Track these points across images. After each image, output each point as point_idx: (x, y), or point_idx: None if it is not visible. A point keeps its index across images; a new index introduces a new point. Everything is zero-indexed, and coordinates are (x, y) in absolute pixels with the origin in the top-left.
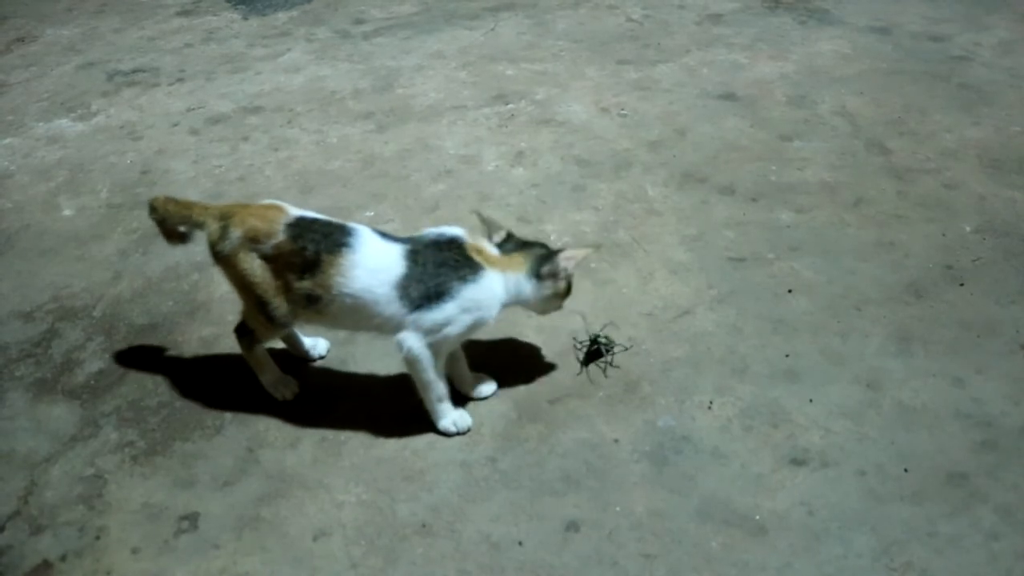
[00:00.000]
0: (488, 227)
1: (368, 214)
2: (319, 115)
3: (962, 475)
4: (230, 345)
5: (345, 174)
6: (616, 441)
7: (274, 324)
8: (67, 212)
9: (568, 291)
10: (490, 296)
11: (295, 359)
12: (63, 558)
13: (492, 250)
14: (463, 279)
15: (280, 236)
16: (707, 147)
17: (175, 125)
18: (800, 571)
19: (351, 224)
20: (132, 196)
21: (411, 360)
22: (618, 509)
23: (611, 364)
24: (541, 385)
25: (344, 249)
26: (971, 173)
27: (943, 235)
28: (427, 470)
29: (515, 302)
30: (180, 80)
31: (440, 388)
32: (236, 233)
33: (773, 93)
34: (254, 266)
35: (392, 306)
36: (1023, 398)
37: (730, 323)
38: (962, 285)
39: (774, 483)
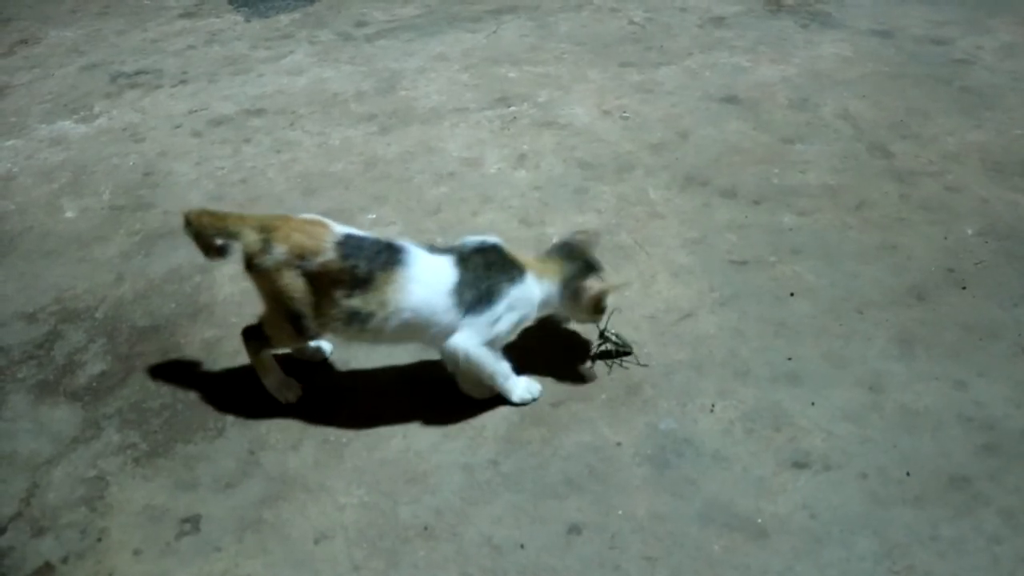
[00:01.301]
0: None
1: (370, 216)
2: (321, 117)
3: (964, 478)
4: (232, 347)
5: (347, 176)
6: (618, 444)
7: (302, 337)
8: (70, 214)
9: (599, 310)
10: (531, 296)
11: (297, 361)
12: (65, 560)
13: (529, 256)
14: (511, 280)
15: (329, 254)
16: (709, 150)
17: (177, 127)
18: (802, 574)
19: (399, 241)
20: (135, 198)
21: (470, 363)
22: (620, 512)
23: (621, 364)
24: (543, 387)
25: (398, 266)
26: (973, 176)
27: (945, 238)
28: (429, 472)
29: (547, 307)
30: (183, 82)
31: (504, 369)
32: (280, 249)
33: (775, 96)
34: (296, 282)
35: (449, 314)
36: None
37: (732, 326)
38: (964, 288)
39: (776, 486)
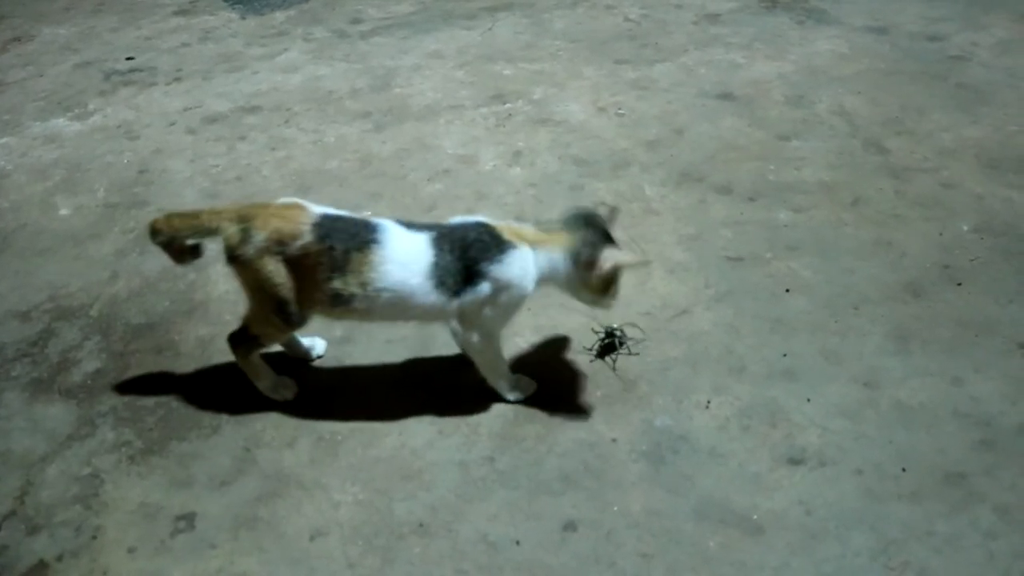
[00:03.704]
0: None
1: (365, 213)
2: (316, 115)
3: (960, 474)
4: (227, 345)
5: (342, 174)
6: (614, 441)
7: (290, 325)
8: (64, 212)
9: (607, 290)
10: (521, 273)
11: (292, 360)
12: (59, 558)
13: (526, 228)
14: (491, 260)
15: (307, 237)
16: (705, 147)
17: (172, 124)
18: (798, 570)
19: (376, 219)
20: (129, 196)
21: (466, 346)
22: (616, 509)
23: (632, 352)
24: (539, 384)
25: (373, 245)
26: (969, 172)
27: (941, 234)
28: (425, 469)
29: (549, 281)
30: (177, 79)
31: (500, 366)
32: (260, 236)
33: (771, 93)
34: (279, 268)
35: (430, 296)
36: (1021, 397)
37: (728, 322)
38: (960, 284)
39: (772, 482)
